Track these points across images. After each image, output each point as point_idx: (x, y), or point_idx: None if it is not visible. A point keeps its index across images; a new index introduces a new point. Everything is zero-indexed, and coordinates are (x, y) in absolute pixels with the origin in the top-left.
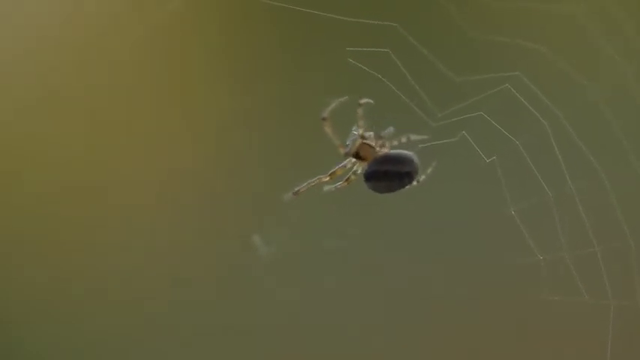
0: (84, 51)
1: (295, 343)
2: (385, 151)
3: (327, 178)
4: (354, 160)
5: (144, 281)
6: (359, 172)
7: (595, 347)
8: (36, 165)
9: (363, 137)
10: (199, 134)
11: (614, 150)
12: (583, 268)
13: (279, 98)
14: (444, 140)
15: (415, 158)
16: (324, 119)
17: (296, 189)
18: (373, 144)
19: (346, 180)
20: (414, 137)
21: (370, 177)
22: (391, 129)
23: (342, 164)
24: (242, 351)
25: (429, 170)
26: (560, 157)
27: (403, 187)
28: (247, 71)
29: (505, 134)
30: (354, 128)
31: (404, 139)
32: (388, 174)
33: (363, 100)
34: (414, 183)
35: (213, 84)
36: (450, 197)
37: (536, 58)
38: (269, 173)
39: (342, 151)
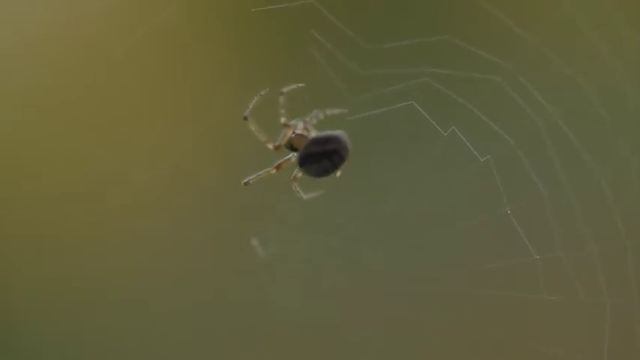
0: (84, 51)
1: (294, 342)
2: (313, 134)
3: (274, 171)
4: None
5: (143, 281)
6: (293, 160)
7: (592, 345)
8: (35, 165)
9: (288, 126)
10: (200, 135)
11: (610, 148)
12: (579, 267)
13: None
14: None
15: (342, 136)
16: (245, 119)
17: (246, 179)
18: (303, 132)
19: (276, 167)
20: (330, 112)
21: (302, 163)
22: (318, 112)
23: (287, 157)
24: (241, 351)
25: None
26: (554, 156)
27: (336, 165)
28: (247, 72)
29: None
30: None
31: (321, 116)
32: (316, 156)
33: (286, 89)
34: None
35: (214, 84)
36: (446, 195)
37: (529, 55)
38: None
39: (270, 146)
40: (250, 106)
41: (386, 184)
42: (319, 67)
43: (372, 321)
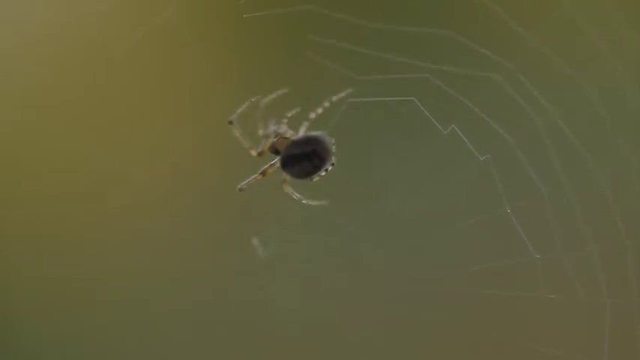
0: (84, 51)
1: (294, 342)
2: (295, 136)
3: (261, 177)
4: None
5: (143, 281)
6: (278, 165)
7: (592, 345)
8: (35, 165)
9: (267, 136)
10: (200, 135)
11: (610, 148)
12: (579, 267)
13: (279, 98)
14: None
15: (323, 137)
16: (230, 123)
17: (240, 185)
18: (285, 134)
19: (261, 173)
20: (335, 98)
21: (284, 165)
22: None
23: (273, 162)
24: (241, 351)
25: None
26: (554, 155)
27: (316, 166)
28: (247, 72)
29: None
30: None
31: (326, 104)
32: (296, 157)
33: (266, 99)
34: (329, 164)
35: (214, 84)
36: (446, 195)
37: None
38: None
39: (253, 153)
40: (238, 111)
41: (386, 183)
42: (319, 67)
43: (372, 321)
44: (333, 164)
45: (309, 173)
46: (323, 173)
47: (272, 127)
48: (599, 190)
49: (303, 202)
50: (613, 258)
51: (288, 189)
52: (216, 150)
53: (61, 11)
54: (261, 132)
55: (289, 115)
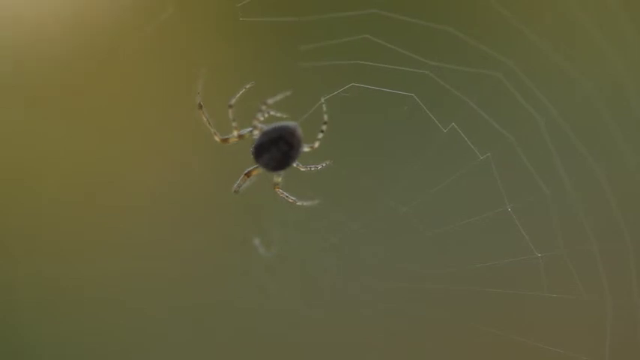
0: (85, 51)
1: (294, 342)
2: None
3: (247, 178)
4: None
5: (143, 282)
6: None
7: (593, 345)
8: (36, 166)
9: (242, 136)
10: (199, 135)
11: (611, 147)
12: (580, 265)
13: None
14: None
15: (290, 124)
16: (200, 107)
17: (234, 188)
18: (260, 131)
19: (246, 174)
20: (271, 100)
21: (255, 155)
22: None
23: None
24: (241, 351)
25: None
26: (554, 154)
27: (285, 153)
28: (247, 72)
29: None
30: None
31: (263, 107)
32: (265, 145)
33: (234, 100)
34: (298, 150)
35: (214, 84)
36: (446, 193)
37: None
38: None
39: (216, 138)
40: (233, 100)
41: (385, 182)
42: (318, 65)
43: (372, 321)
44: (306, 157)
45: (280, 162)
46: (313, 168)
47: (244, 131)
48: (599, 189)
49: (298, 204)
50: (615, 257)
51: (282, 192)
52: (216, 150)
53: (61, 12)
54: (235, 133)
55: (270, 101)
